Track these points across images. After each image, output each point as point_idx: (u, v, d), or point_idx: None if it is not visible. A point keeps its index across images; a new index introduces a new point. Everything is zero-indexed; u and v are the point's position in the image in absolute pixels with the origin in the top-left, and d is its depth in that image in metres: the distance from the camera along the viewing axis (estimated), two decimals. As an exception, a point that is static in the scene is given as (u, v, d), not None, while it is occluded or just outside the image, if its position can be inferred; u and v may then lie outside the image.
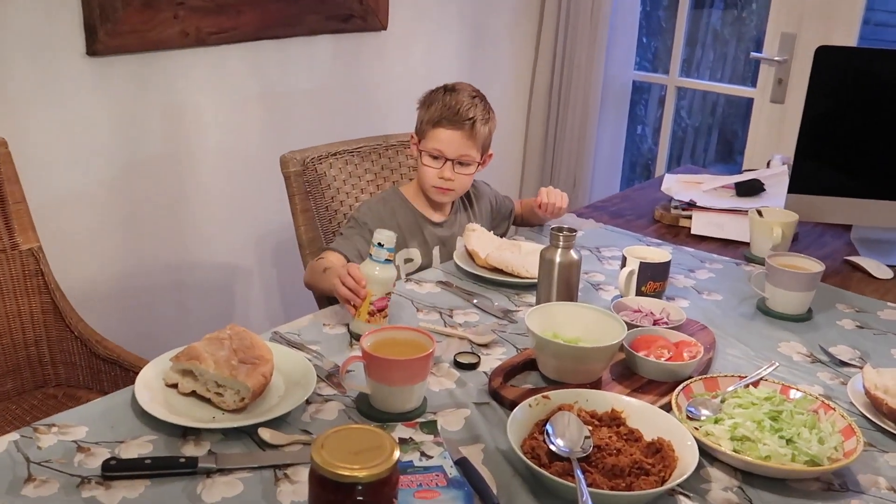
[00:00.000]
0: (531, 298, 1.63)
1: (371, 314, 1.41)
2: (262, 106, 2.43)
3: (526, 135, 3.55)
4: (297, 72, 2.50)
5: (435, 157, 1.78)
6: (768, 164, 2.42)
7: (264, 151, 2.44)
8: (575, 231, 1.51)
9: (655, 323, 1.46)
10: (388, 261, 1.41)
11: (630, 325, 1.43)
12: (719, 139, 4.35)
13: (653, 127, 4.27)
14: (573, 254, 1.50)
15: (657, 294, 1.61)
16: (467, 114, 1.77)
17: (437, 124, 1.77)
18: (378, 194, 1.89)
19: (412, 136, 1.86)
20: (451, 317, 1.54)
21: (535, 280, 1.60)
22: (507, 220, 2.06)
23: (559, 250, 1.50)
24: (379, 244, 1.40)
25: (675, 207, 2.17)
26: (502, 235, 1.98)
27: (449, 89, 1.81)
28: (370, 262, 1.41)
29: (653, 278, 1.59)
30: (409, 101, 1.87)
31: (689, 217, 2.13)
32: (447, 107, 1.77)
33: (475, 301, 1.61)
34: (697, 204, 2.15)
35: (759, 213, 1.90)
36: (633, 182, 4.23)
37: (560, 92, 3.38)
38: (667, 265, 1.61)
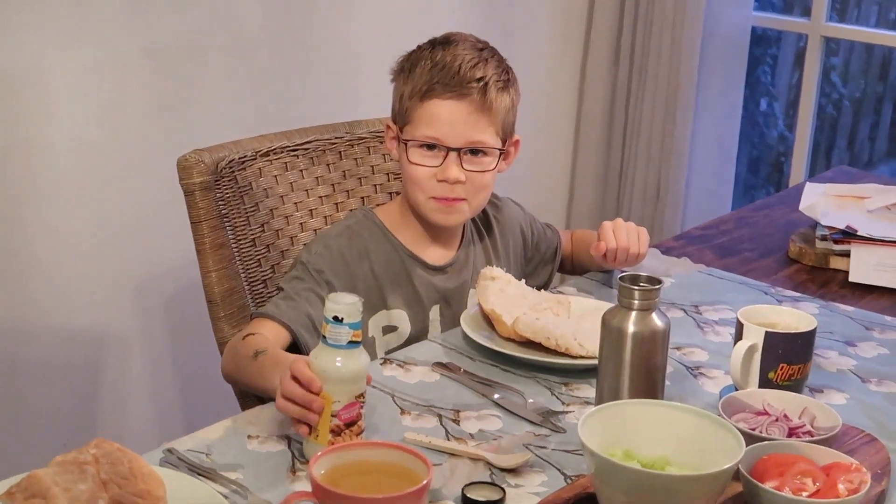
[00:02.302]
0: (589, 392, 1.64)
1: (335, 432, 1.42)
2: (147, 73, 2.44)
3: (577, 123, 3.58)
4: (208, 19, 2.52)
5: (430, 148, 1.80)
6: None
7: (151, 149, 2.45)
8: (660, 282, 1.51)
9: (792, 434, 1.46)
10: (353, 343, 1.41)
11: (750, 437, 1.42)
12: (893, 123, 4.38)
13: (785, 101, 4.31)
14: (656, 319, 1.50)
15: (794, 384, 1.60)
16: (474, 73, 1.79)
17: (428, 94, 1.79)
18: (340, 223, 1.90)
19: (388, 127, 1.88)
20: (456, 423, 1.55)
21: (595, 362, 1.60)
22: (551, 264, 2.07)
23: (633, 314, 1.50)
24: (336, 319, 1.40)
25: (823, 238, 2.18)
26: (542, 288, 1.99)
27: (440, 42, 1.84)
28: (325, 348, 1.41)
29: (787, 358, 1.59)
30: (387, 70, 1.90)
31: (846, 255, 2.14)
32: (440, 66, 1.79)
33: (497, 396, 1.61)
34: (859, 233, 2.17)
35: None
36: (755, 194, 4.25)
37: (634, 49, 3.42)
38: (810, 337, 1.61)
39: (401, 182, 1.91)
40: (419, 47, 1.85)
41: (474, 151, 1.81)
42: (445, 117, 1.79)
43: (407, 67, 1.84)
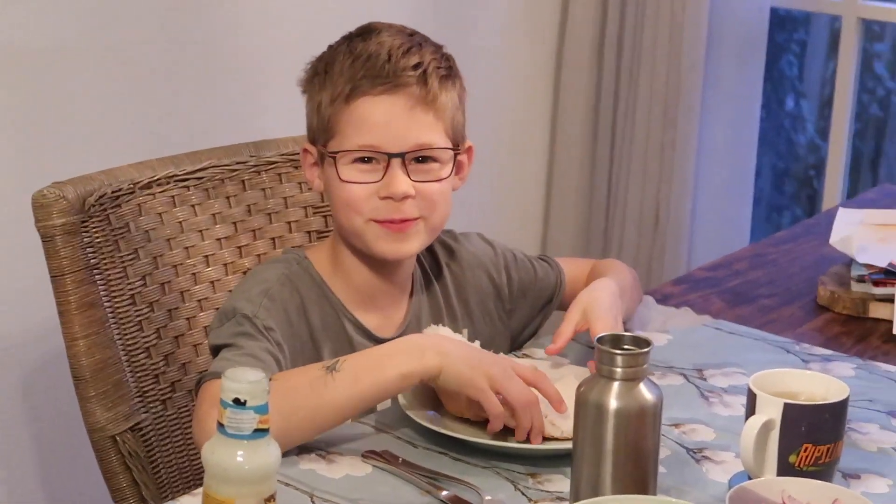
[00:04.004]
0: (562, 485, 1.64)
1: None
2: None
3: (553, 133, 3.60)
4: (76, 13, 2.52)
5: (366, 161, 1.83)
6: None
7: None
8: (648, 344, 1.52)
9: None
10: (259, 432, 1.41)
11: (767, 541, 1.43)
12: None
13: (819, 99, 4.34)
14: (645, 391, 1.51)
15: (823, 470, 1.61)
16: (408, 60, 1.82)
17: (354, 94, 1.82)
18: (272, 267, 1.90)
19: (304, 150, 1.90)
20: (394, 529, 1.55)
21: (570, 446, 1.59)
22: (543, 312, 2.08)
23: (615, 386, 1.51)
24: (237, 402, 1.40)
25: (860, 280, 2.20)
26: (522, 345, 2.02)
27: (357, 35, 1.87)
28: (223, 439, 1.40)
29: (812, 437, 1.60)
30: (297, 72, 1.91)
31: (890, 300, 2.16)
32: (364, 57, 1.82)
33: (445, 493, 1.61)
34: (905, 273, 2.20)
35: None
36: (782, 220, 4.27)
37: (622, 39, 3.44)
38: (841, 408, 1.62)
39: (323, 218, 1.92)
40: (331, 46, 1.88)
41: (422, 158, 1.83)
42: (380, 118, 1.81)
43: (321, 70, 1.86)
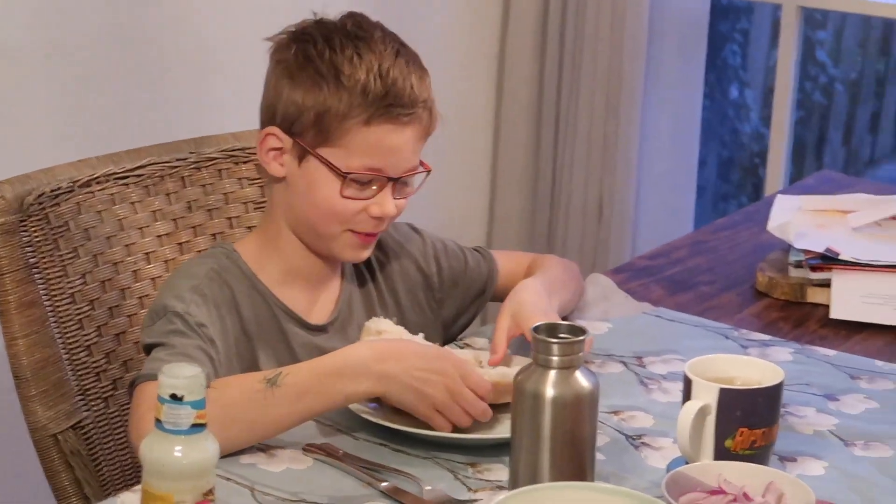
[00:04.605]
0: (501, 473, 1.65)
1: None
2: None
3: (497, 123, 3.61)
4: (10, 7, 2.52)
5: (364, 183, 1.84)
6: None
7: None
8: (583, 332, 1.54)
9: None
10: (196, 427, 1.41)
11: (702, 524, 1.44)
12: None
13: (762, 88, 4.36)
14: (581, 379, 1.53)
15: (758, 453, 1.62)
16: (420, 93, 1.84)
17: (376, 119, 1.82)
18: (201, 262, 1.90)
19: (269, 135, 1.86)
20: (335, 521, 1.55)
21: (508, 436, 1.60)
22: (476, 303, 2.08)
23: (552, 374, 1.52)
24: (174, 397, 1.40)
25: (798, 265, 2.22)
26: (456, 336, 2.01)
27: (355, 36, 1.84)
28: (161, 435, 1.40)
29: (748, 421, 1.61)
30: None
31: (827, 285, 2.17)
32: (391, 82, 1.81)
33: (385, 484, 1.62)
34: (841, 257, 2.20)
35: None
36: (725, 209, 4.28)
37: (564, 29, 3.45)
38: (776, 392, 1.63)
39: (263, 213, 1.93)
40: (326, 38, 1.84)
41: (408, 182, 1.87)
42: (393, 145, 1.83)
43: (326, 72, 1.82)
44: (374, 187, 1.84)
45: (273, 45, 1.89)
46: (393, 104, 1.81)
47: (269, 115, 1.87)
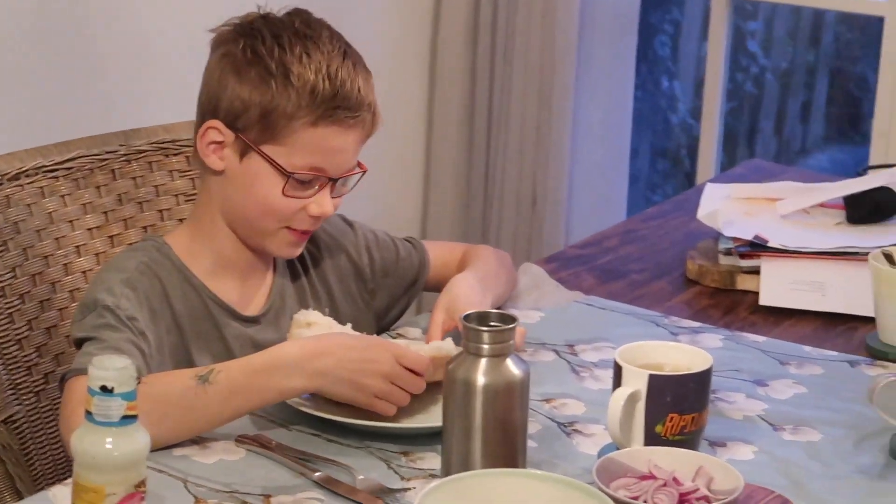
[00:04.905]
0: (434, 462, 1.66)
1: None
2: None
3: (430, 115, 3.61)
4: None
5: (305, 182, 1.84)
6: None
7: None
8: (514, 320, 1.55)
9: (683, 501, 1.48)
10: (127, 419, 1.41)
11: (633, 509, 1.45)
12: (830, 101, 4.47)
13: (693, 79, 4.39)
14: (512, 367, 1.54)
15: (688, 439, 1.63)
16: (367, 96, 1.85)
17: (324, 120, 1.82)
18: (131, 255, 1.89)
19: (209, 128, 1.85)
20: (267, 511, 1.55)
21: (439, 426, 1.62)
22: (409, 293, 2.09)
23: (482, 363, 1.53)
24: (104, 389, 1.40)
25: (727, 253, 2.23)
26: (389, 326, 2.02)
27: (301, 35, 1.84)
28: (91, 427, 1.40)
29: (677, 407, 1.62)
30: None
31: (756, 272, 2.19)
32: (339, 83, 1.82)
33: (318, 474, 1.62)
34: (770, 244, 2.23)
35: (893, 258, 1.98)
36: (654, 197, 4.30)
37: (496, 20, 3.46)
38: (705, 378, 1.65)
39: (194, 204, 1.93)
40: (275, 35, 1.83)
41: (347, 180, 1.88)
42: (338, 146, 1.84)
43: (275, 70, 1.81)
44: (316, 187, 1.84)
45: (216, 37, 1.88)
46: (340, 106, 1.82)
47: (211, 108, 1.86)
